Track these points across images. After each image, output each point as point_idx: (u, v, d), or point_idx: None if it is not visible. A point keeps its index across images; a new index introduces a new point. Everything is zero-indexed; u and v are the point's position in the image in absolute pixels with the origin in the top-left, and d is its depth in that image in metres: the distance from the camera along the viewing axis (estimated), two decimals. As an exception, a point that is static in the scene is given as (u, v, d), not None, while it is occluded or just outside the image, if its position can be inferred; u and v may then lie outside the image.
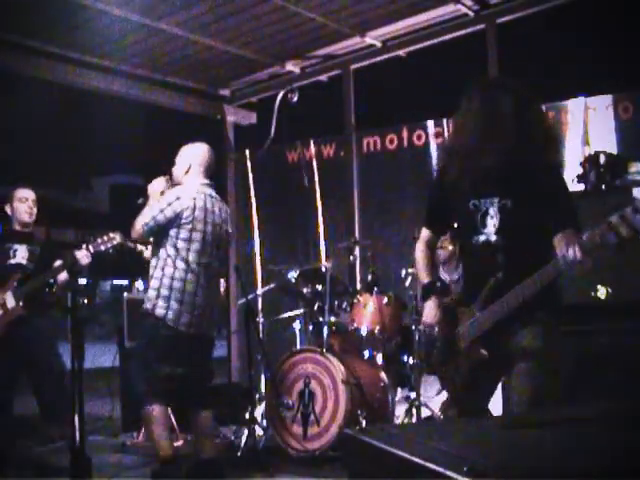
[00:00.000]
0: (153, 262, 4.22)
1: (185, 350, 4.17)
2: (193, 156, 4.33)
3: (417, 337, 4.86)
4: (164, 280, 4.12)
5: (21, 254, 4.96)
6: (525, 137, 2.79)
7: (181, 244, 4.14)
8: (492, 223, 2.84)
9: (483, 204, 2.86)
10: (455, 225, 3.10)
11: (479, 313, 2.85)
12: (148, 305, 4.16)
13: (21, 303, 4.73)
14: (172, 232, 4.14)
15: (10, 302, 4.73)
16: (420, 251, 3.16)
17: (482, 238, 2.87)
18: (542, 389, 2.79)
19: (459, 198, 2.92)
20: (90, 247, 4.59)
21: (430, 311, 3.03)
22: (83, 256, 4.57)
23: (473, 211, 2.88)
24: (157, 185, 4.35)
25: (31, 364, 4.88)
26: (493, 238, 2.84)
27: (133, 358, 4.47)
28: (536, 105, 2.95)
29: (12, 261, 4.93)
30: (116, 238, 4.59)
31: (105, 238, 4.60)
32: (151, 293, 4.16)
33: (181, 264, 4.13)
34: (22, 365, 4.89)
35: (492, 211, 2.84)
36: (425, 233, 3.18)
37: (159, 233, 4.18)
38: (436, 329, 3.00)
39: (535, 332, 2.79)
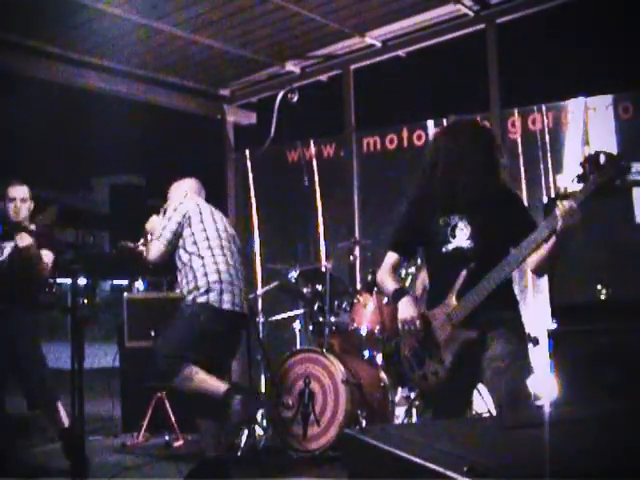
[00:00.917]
0: (179, 265, 4.34)
1: (227, 328, 4.26)
2: (187, 187, 4.66)
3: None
4: (197, 273, 4.25)
5: (8, 251, 4.97)
6: (488, 167, 3.04)
7: (198, 236, 4.32)
8: (462, 233, 3.04)
9: (453, 219, 3.06)
10: (421, 243, 3.26)
11: (459, 301, 2.96)
12: (189, 298, 4.24)
13: None
14: (186, 232, 4.33)
15: None
16: (384, 272, 3.30)
17: (452, 246, 3.05)
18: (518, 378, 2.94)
19: (430, 217, 3.11)
20: (32, 227, 4.65)
21: (407, 307, 3.14)
22: (18, 239, 4.63)
23: (443, 226, 3.07)
24: (154, 222, 4.54)
25: (14, 357, 4.87)
26: (464, 244, 3.03)
27: (158, 348, 4.37)
28: (495, 139, 3.22)
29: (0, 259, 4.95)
30: (54, 210, 4.65)
31: (41, 217, 4.67)
32: (190, 287, 4.25)
33: (206, 252, 4.30)
34: (10, 361, 4.87)
35: (462, 224, 3.04)
36: (390, 257, 3.30)
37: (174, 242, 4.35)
38: (418, 323, 3.06)
39: (504, 346, 2.95)
